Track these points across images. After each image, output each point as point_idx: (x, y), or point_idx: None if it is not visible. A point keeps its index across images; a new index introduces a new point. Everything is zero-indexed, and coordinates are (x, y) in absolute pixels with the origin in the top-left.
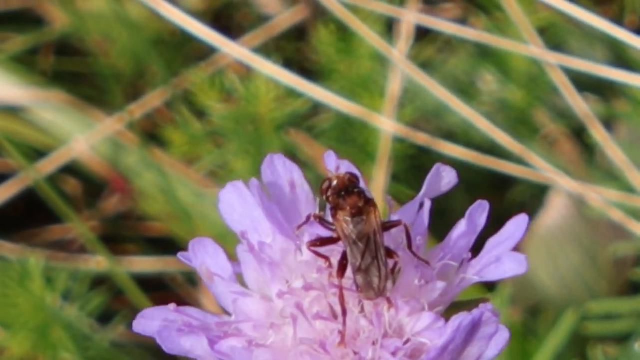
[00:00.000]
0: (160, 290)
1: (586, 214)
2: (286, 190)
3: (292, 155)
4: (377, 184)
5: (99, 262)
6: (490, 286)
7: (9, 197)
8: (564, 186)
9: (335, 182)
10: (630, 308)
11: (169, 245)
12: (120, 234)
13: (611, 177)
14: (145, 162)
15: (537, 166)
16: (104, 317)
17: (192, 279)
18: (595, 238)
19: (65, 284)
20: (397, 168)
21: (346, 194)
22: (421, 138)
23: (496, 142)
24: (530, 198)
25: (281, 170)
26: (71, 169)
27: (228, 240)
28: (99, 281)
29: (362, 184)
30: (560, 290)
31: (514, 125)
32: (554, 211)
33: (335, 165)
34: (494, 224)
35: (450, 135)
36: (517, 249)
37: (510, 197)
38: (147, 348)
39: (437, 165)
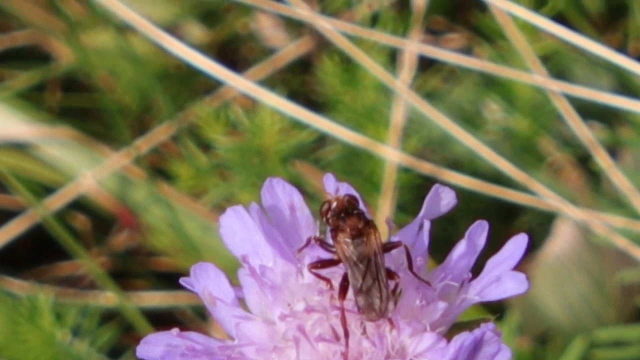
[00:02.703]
0: (170, 324)
1: (593, 242)
2: (286, 213)
3: (298, 186)
4: (382, 214)
5: (108, 297)
6: (497, 314)
7: (17, 234)
8: (570, 214)
9: (334, 204)
10: (638, 335)
11: (178, 280)
12: (130, 269)
13: (617, 203)
14: (152, 197)
15: (543, 194)
16: (114, 353)
17: (201, 313)
18: (603, 265)
19: (74, 319)
20: (402, 198)
21: (346, 216)
22: (426, 167)
23: (501, 171)
24: (536, 226)
25: (280, 193)
26: (79, 205)
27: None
28: (109, 316)
29: (361, 206)
30: (568, 318)
31: (519, 154)
32: (561, 239)
33: (334, 188)
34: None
35: (456, 165)
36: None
37: (516, 226)
38: None
39: (435, 186)
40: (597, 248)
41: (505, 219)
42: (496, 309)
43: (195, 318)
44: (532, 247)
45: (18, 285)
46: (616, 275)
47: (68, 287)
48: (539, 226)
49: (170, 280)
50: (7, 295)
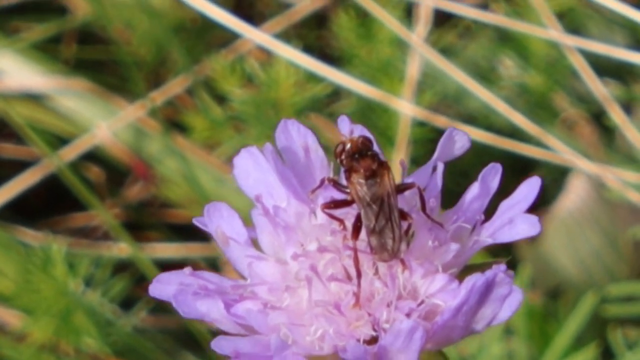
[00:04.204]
0: None
1: (606, 197)
2: (300, 155)
3: None
4: (396, 168)
5: (121, 248)
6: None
7: (32, 184)
8: (584, 169)
9: (348, 145)
10: None
11: (192, 232)
12: (143, 221)
13: (630, 159)
14: (167, 149)
15: (557, 149)
16: (127, 303)
17: (214, 264)
18: (615, 221)
19: (87, 270)
20: (417, 152)
21: (360, 157)
22: (441, 121)
23: (516, 125)
24: (550, 181)
25: (295, 135)
26: (94, 156)
27: (250, 223)
28: (122, 267)
29: (375, 147)
30: (580, 272)
31: (533, 110)
32: (574, 194)
33: (348, 129)
34: None
35: (471, 119)
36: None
37: None
38: (169, 333)
39: (449, 129)
40: (610, 203)
41: (519, 173)
42: (508, 264)
43: (208, 269)
44: (545, 202)
45: (32, 236)
46: (628, 231)
47: (81, 237)
48: (553, 181)
49: (184, 231)
50: (20, 245)
